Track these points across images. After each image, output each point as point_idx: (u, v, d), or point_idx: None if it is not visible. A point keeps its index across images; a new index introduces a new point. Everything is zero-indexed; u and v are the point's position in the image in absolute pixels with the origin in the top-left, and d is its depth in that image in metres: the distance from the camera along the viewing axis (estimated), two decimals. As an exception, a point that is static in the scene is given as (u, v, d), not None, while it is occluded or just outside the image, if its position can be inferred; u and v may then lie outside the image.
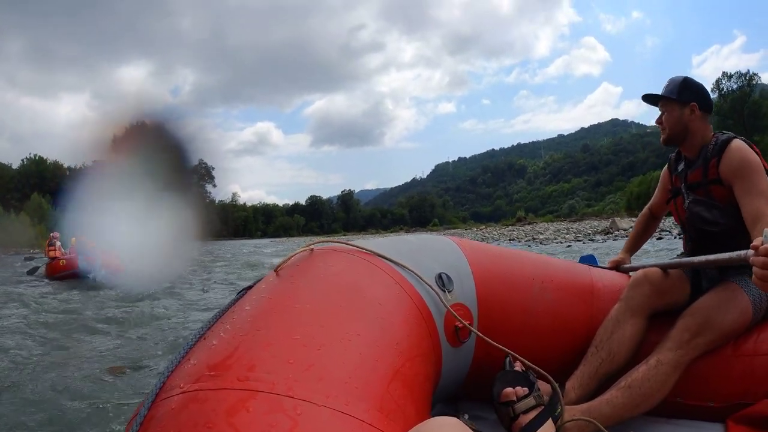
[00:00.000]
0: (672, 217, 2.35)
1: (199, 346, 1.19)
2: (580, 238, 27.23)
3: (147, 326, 6.15)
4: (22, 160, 79.13)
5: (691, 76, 2.15)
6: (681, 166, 2.17)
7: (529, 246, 23.79)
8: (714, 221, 1.99)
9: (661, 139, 2.16)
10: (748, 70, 60.07)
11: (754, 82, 58.22)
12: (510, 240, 31.95)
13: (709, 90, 2.25)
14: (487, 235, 43.90)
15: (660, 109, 2.15)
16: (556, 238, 28.57)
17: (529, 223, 59.70)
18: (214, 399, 0.95)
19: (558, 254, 16.66)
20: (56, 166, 74.55)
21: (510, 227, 56.58)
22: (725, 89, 58.17)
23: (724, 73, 62.52)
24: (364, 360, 1.17)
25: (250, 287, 1.51)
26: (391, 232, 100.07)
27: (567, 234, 32.31)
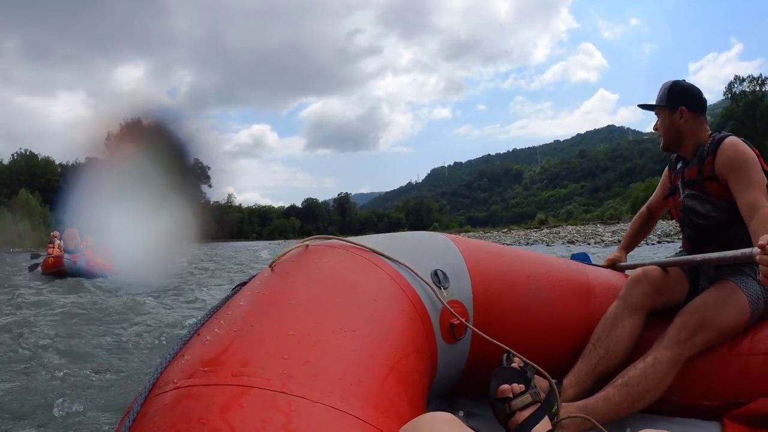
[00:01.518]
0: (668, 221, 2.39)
1: (193, 341, 1.18)
2: (667, 240, 22.27)
3: (139, 325, 6.04)
4: (12, 155, 77.54)
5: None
6: (679, 165, 2.21)
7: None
8: (706, 215, 2.03)
9: (660, 145, 2.21)
10: (761, 74, 59.74)
11: (766, 87, 57.77)
12: (569, 242, 27.20)
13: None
14: (528, 238, 35.31)
15: (656, 116, 2.20)
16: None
17: (554, 226, 53.72)
18: (208, 395, 0.94)
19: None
20: (47, 162, 73.62)
21: (542, 230, 46.93)
22: (737, 91, 57.46)
23: (736, 76, 61.31)
24: (359, 356, 1.16)
25: (244, 283, 1.51)
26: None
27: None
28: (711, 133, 2.10)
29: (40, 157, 75.89)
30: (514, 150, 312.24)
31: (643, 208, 2.59)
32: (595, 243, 26.08)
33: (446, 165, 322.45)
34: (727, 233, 1.90)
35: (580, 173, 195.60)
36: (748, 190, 1.88)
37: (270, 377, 0.98)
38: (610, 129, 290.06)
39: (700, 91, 2.15)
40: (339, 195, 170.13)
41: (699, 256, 1.89)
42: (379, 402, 1.07)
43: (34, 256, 14.38)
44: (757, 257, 1.46)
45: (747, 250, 1.58)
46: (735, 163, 1.93)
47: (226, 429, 0.87)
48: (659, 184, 2.44)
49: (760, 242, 1.46)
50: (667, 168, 2.35)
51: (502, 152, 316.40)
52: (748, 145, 1.99)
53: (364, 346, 1.21)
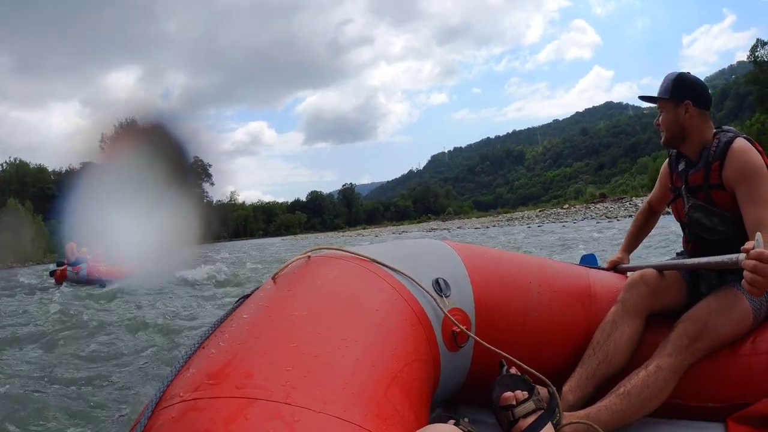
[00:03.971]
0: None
1: (197, 354, 1.21)
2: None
3: (146, 333, 5.99)
4: (1, 165, 74.42)
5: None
6: (682, 165, 2.09)
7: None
8: (713, 228, 1.95)
9: (661, 141, 2.09)
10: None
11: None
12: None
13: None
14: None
15: (658, 110, 2.07)
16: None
17: (618, 199, 45.84)
18: (213, 407, 0.98)
19: None
20: (39, 170, 71.30)
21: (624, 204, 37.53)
22: (761, 57, 52.52)
23: (758, 40, 55.39)
24: (361, 366, 1.19)
25: (248, 295, 1.54)
26: (420, 222, 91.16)
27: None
28: (715, 132, 1.99)
29: (31, 165, 73.39)
30: (514, 131, 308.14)
31: (644, 205, 2.47)
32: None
33: (446, 150, 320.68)
34: (732, 250, 1.74)
35: (584, 151, 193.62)
36: (755, 207, 1.80)
37: (273, 388, 1.01)
38: (608, 105, 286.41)
39: (707, 86, 2.04)
40: (343, 186, 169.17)
41: (690, 260, 1.87)
42: (381, 410, 1.10)
43: (59, 265, 15.85)
44: (742, 262, 1.45)
45: (733, 256, 1.56)
46: (744, 174, 1.84)
47: None
48: (658, 180, 2.32)
49: (745, 246, 1.45)
50: (666, 164, 2.24)
51: (501, 135, 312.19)
52: (755, 146, 1.91)
53: (366, 355, 1.23)
